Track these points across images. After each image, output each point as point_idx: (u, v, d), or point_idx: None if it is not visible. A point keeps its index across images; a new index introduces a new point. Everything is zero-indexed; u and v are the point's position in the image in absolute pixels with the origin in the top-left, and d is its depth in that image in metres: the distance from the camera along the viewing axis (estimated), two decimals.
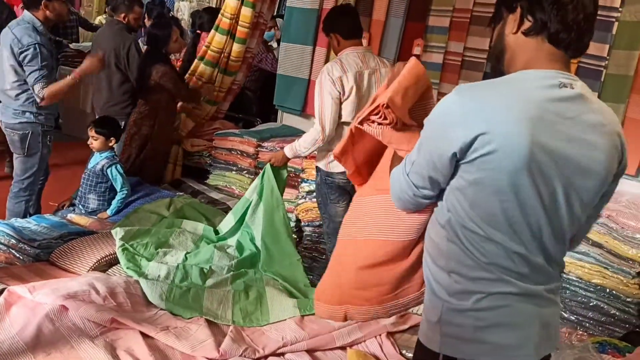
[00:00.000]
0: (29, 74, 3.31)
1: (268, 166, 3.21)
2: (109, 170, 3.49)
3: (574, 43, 1.34)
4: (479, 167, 1.27)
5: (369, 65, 3.02)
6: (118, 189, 3.54)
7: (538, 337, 1.39)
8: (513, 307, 1.35)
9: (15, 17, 4.52)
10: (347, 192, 3.13)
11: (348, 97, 2.97)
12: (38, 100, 3.34)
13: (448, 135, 1.29)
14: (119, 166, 3.53)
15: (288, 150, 3.17)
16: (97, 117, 3.94)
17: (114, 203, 3.53)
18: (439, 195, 1.41)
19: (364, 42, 3.99)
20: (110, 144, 3.54)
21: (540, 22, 1.32)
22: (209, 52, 4.43)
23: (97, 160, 3.52)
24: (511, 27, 1.37)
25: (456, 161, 1.31)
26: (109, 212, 3.51)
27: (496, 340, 1.36)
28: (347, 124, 2.97)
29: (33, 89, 3.32)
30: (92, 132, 3.50)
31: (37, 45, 3.30)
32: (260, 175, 3.24)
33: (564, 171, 1.29)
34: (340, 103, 2.99)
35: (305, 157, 3.62)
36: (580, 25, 1.31)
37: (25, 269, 2.71)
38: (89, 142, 3.53)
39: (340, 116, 3.01)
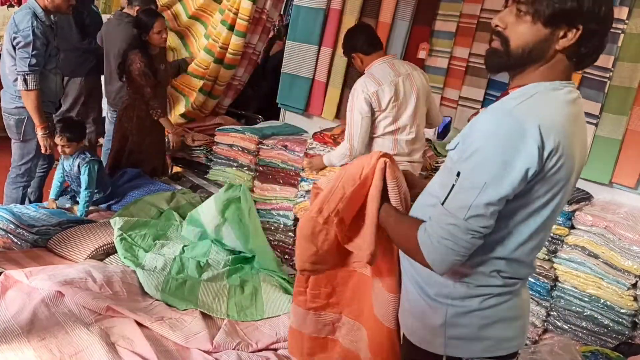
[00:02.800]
0: (18, 60, 3.32)
1: (245, 188, 3.23)
2: (82, 169, 3.45)
3: (591, 63, 1.33)
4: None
5: (400, 72, 3.01)
6: (82, 188, 3.45)
7: (527, 323, 1.48)
8: (513, 301, 1.40)
9: None
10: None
11: (385, 109, 2.97)
12: (20, 88, 3.35)
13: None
14: (91, 166, 3.45)
15: (325, 158, 3.28)
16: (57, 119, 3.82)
17: (81, 205, 3.45)
18: None
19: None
20: (81, 144, 3.53)
21: (594, 52, 1.28)
22: (211, 41, 4.51)
23: (72, 162, 3.51)
24: (559, 43, 1.25)
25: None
26: (78, 213, 3.45)
27: (497, 335, 1.39)
28: (387, 134, 3.00)
29: (18, 78, 3.33)
30: (62, 141, 3.42)
31: (31, 32, 3.29)
32: (224, 197, 3.19)
33: (573, 177, 1.33)
34: (374, 119, 2.99)
35: None
36: (602, 49, 1.30)
37: (22, 254, 2.72)
38: (59, 150, 3.47)
39: (375, 130, 3.02)
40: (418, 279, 1.45)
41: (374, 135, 3.06)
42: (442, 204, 1.27)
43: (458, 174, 1.24)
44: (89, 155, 3.50)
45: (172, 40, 4.63)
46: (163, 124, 4.01)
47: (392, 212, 1.50)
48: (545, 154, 1.19)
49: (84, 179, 3.44)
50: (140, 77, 3.81)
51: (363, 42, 3.03)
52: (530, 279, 3.01)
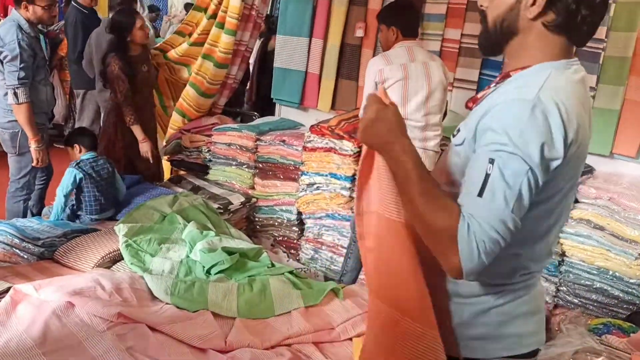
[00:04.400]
0: (7, 74, 3.31)
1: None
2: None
3: (587, 39, 1.27)
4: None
5: (415, 58, 3.01)
6: None
7: (544, 318, 1.40)
8: (530, 294, 1.33)
9: None
10: None
11: (390, 88, 2.97)
12: (10, 102, 3.34)
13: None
14: (72, 171, 3.32)
15: None
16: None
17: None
18: None
19: (359, 31, 4.00)
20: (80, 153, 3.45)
21: (568, 17, 1.19)
22: (183, 24, 4.60)
23: None
24: (529, 11, 1.21)
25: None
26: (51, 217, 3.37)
27: (517, 331, 1.32)
28: None
29: (8, 93, 3.31)
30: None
31: (17, 45, 3.28)
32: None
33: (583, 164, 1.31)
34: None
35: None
36: (597, 24, 1.24)
37: (30, 267, 2.72)
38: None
39: None
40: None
41: None
42: (479, 195, 1.12)
43: (492, 162, 1.12)
44: (78, 164, 3.37)
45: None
46: (134, 132, 3.87)
47: (415, 160, 1.21)
48: (568, 144, 1.15)
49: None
50: (114, 81, 3.76)
51: (407, 22, 3.04)
52: None
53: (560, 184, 1.21)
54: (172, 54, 4.56)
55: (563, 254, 3.04)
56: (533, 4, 1.20)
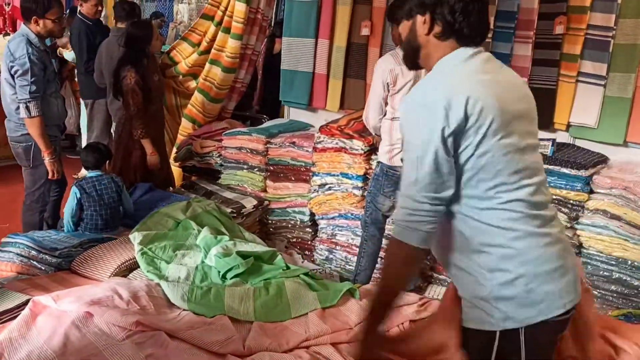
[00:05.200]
0: (18, 88, 3.33)
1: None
2: None
3: (479, 37, 1.51)
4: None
5: None
6: None
7: (575, 278, 1.48)
8: (548, 252, 1.43)
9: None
10: None
11: (400, 90, 2.99)
12: (23, 116, 3.36)
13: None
14: (73, 187, 3.36)
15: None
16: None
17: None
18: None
19: (365, 30, 3.99)
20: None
21: (449, 27, 1.48)
22: (189, 32, 4.63)
23: None
24: (422, 29, 1.52)
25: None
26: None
27: (546, 290, 1.40)
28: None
29: (20, 107, 3.34)
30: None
31: (27, 59, 3.30)
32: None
33: (508, 117, 1.43)
34: (390, 96, 3.04)
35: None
36: (483, 20, 1.51)
37: (47, 278, 2.74)
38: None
39: (395, 113, 3.05)
40: (456, 263, 1.50)
41: (394, 118, 3.07)
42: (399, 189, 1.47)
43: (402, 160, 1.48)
44: (80, 182, 3.39)
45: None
46: (144, 145, 3.89)
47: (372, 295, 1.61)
48: (455, 112, 1.35)
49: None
50: (128, 93, 3.78)
51: None
52: None
53: (473, 139, 1.38)
54: (183, 65, 4.58)
55: (580, 246, 3.01)
56: (424, 22, 1.51)
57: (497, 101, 1.39)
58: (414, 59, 1.60)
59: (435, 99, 1.39)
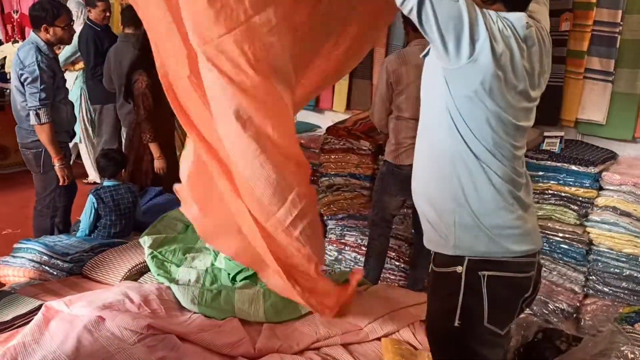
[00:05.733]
0: (28, 96, 3.36)
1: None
2: None
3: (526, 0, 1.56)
4: None
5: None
6: None
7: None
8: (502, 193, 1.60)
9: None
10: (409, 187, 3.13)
11: (404, 90, 3.00)
12: (33, 123, 3.39)
13: None
14: (91, 196, 3.42)
15: None
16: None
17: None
18: None
19: None
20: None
21: None
22: None
23: None
24: None
25: None
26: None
27: (498, 223, 1.59)
28: (410, 120, 3.01)
29: (30, 114, 3.37)
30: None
31: (37, 67, 3.33)
32: None
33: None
34: (395, 95, 3.06)
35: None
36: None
37: (60, 283, 2.77)
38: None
39: (401, 113, 3.07)
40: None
41: (399, 117, 3.09)
42: None
43: None
44: (98, 191, 3.45)
45: None
46: (151, 149, 3.91)
47: None
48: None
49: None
50: (139, 97, 3.81)
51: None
52: (564, 245, 2.99)
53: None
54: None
55: (590, 243, 2.99)
56: None
57: None
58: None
59: None
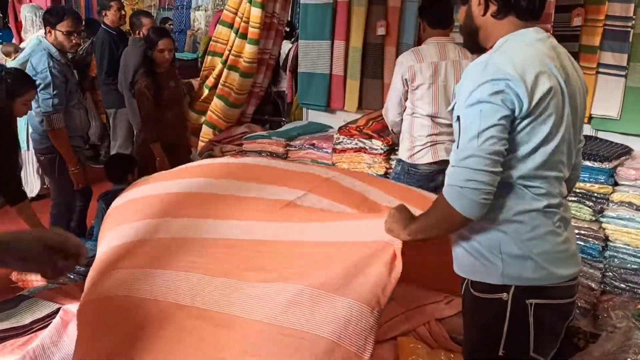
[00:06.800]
0: (41, 102, 3.39)
1: None
2: None
3: (538, 10, 1.55)
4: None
5: (447, 57, 3.01)
6: None
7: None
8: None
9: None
10: (428, 182, 3.13)
11: (419, 87, 3.00)
12: (46, 129, 3.43)
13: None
14: (100, 201, 3.47)
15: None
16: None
17: None
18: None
19: (381, 30, 3.99)
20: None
21: (506, 3, 1.51)
22: (212, 43, 4.63)
23: None
24: (478, 10, 1.56)
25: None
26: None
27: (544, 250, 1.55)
28: (426, 117, 3.02)
29: (43, 119, 3.40)
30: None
31: (49, 73, 3.36)
32: None
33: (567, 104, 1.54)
34: (406, 92, 3.06)
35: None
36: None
37: (77, 287, 2.79)
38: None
39: (414, 109, 3.06)
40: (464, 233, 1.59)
41: (414, 114, 3.07)
42: (457, 147, 1.46)
43: (458, 118, 1.47)
44: (106, 195, 3.48)
45: None
46: (153, 149, 3.91)
47: (419, 218, 1.63)
48: (528, 88, 1.42)
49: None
50: (138, 97, 3.82)
51: (433, 15, 3.08)
52: (579, 242, 2.96)
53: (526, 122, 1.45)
54: (211, 79, 4.62)
55: (606, 239, 2.96)
56: (479, 4, 1.55)
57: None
58: (474, 42, 1.63)
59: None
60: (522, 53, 1.46)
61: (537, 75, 1.43)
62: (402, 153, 3.19)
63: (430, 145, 3.03)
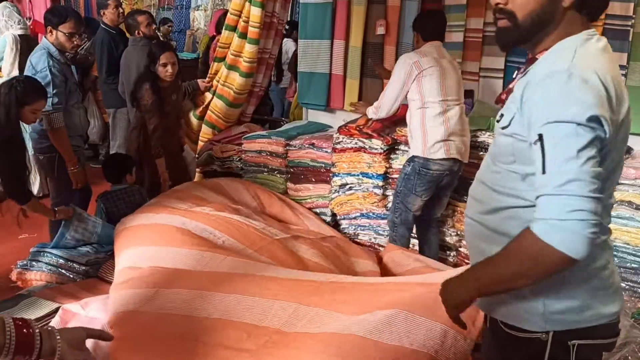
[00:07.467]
0: None
1: None
2: None
3: (601, 13, 1.36)
4: None
5: (444, 56, 3.21)
6: None
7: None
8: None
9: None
10: (435, 187, 3.22)
11: (426, 69, 3.10)
12: (46, 128, 3.42)
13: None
14: (99, 201, 3.49)
15: (368, 110, 3.52)
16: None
17: None
18: None
19: (380, 29, 3.99)
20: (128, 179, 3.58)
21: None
22: (219, 49, 4.58)
23: None
24: (565, 0, 1.28)
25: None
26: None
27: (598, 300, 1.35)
28: (436, 104, 3.12)
29: (43, 118, 3.40)
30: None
31: (49, 72, 3.35)
32: None
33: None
34: (409, 83, 3.15)
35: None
36: None
37: (76, 286, 2.80)
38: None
39: (423, 97, 3.15)
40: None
41: (425, 106, 3.14)
42: (544, 172, 1.17)
43: (540, 137, 1.18)
44: (105, 195, 3.50)
45: None
46: (157, 165, 3.88)
47: (478, 270, 1.34)
48: (613, 102, 1.20)
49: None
50: (146, 112, 3.80)
51: (426, 28, 3.23)
52: None
53: (611, 140, 1.21)
54: (214, 82, 4.60)
55: None
56: None
57: None
58: (526, 38, 1.33)
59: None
60: (602, 63, 1.24)
61: (622, 92, 1.23)
62: (415, 149, 3.21)
63: (443, 141, 3.10)
